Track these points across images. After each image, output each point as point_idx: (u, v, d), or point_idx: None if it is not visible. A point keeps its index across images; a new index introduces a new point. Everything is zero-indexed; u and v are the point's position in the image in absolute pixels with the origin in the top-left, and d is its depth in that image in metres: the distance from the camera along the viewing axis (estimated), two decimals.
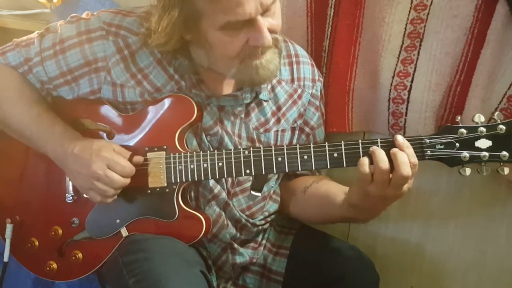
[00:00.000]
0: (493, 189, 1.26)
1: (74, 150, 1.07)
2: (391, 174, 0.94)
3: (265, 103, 1.19)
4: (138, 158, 1.10)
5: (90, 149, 1.06)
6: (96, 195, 1.07)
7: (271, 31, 0.99)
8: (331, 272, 1.16)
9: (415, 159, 0.95)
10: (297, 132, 1.25)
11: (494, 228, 1.29)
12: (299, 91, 1.23)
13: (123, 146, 1.12)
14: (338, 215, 1.12)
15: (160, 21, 0.97)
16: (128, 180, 1.07)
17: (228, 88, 1.16)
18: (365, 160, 0.95)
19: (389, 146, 0.96)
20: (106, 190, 1.05)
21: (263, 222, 1.24)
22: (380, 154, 0.94)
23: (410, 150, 0.95)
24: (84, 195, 1.15)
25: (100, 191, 1.06)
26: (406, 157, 0.93)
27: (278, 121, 1.21)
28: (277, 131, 1.21)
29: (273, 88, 1.20)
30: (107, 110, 1.16)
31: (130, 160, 1.08)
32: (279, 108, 1.21)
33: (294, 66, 1.24)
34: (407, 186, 0.96)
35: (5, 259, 1.21)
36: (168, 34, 0.99)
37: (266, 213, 1.25)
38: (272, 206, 1.26)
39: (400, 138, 0.95)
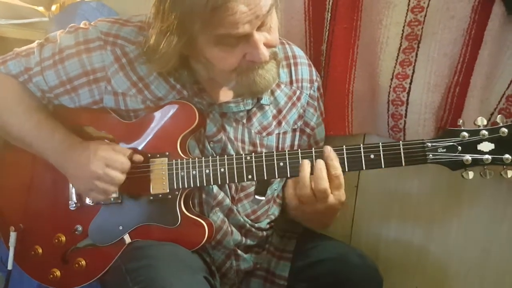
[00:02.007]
0: (495, 189, 1.27)
1: (74, 155, 1.08)
2: None
3: (266, 107, 1.19)
4: (138, 157, 1.11)
5: (88, 150, 1.07)
6: (98, 195, 1.09)
7: (268, 45, 1.00)
8: (335, 275, 1.16)
9: (336, 171, 0.98)
10: (298, 133, 1.25)
11: (497, 228, 1.29)
12: (298, 92, 1.24)
13: None
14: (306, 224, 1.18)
15: (159, 44, 0.98)
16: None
17: (229, 94, 1.16)
18: (290, 190, 1.01)
19: (392, 150, 0.97)
20: (108, 189, 1.07)
21: (268, 226, 1.25)
22: (303, 179, 0.99)
23: (333, 162, 0.98)
24: (87, 200, 1.16)
25: (101, 191, 1.07)
26: (322, 171, 0.98)
27: (279, 124, 1.21)
28: (278, 134, 1.21)
29: (272, 92, 1.20)
30: (110, 118, 1.16)
31: (130, 157, 1.09)
32: (279, 111, 1.21)
33: (292, 68, 1.24)
34: (334, 198, 1.00)
35: (9, 267, 1.21)
36: (167, 59, 1.01)
37: (272, 217, 1.25)
38: (277, 210, 1.27)
39: (326, 151, 1.00)
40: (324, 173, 0.98)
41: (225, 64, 1.01)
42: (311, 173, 1.00)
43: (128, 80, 1.13)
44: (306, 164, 1.00)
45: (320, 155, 1.01)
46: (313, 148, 1.02)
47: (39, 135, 1.12)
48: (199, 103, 1.13)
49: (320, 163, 0.99)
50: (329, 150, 0.99)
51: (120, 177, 1.07)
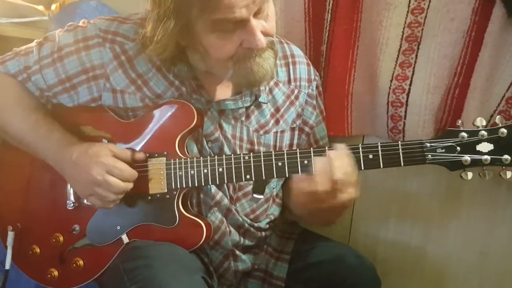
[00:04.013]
0: (493, 191, 1.26)
1: (72, 157, 1.07)
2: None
3: (264, 105, 1.19)
4: (140, 155, 1.10)
5: (88, 154, 1.06)
6: (97, 201, 1.07)
7: (265, 34, 1.00)
8: (332, 276, 1.16)
9: (349, 169, 0.96)
10: (297, 132, 1.25)
11: (495, 230, 1.29)
12: (296, 91, 1.24)
13: None
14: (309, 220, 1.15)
15: (156, 31, 0.98)
16: (129, 185, 1.07)
17: (227, 92, 1.16)
18: (299, 190, 0.98)
19: (390, 150, 0.97)
20: (107, 196, 1.05)
21: (267, 226, 1.24)
22: (320, 173, 0.96)
23: (343, 161, 0.96)
24: (85, 201, 1.15)
25: (100, 197, 1.06)
26: (336, 163, 0.95)
27: (277, 122, 1.21)
28: (276, 132, 1.21)
29: (270, 90, 1.20)
30: (108, 117, 1.16)
31: (132, 158, 1.09)
32: (277, 110, 1.21)
33: (291, 67, 1.24)
34: (348, 195, 0.97)
35: (7, 266, 1.20)
36: (164, 45, 1.00)
37: (272, 217, 1.25)
38: (276, 210, 1.26)
39: (340, 148, 0.98)
40: (339, 164, 0.95)
41: (222, 52, 1.01)
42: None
43: (127, 77, 1.13)
44: (318, 160, 0.97)
45: (319, 154, 1.01)
46: (311, 148, 1.02)
47: (37, 135, 1.12)
48: (198, 100, 1.13)
49: (332, 156, 0.96)
50: (343, 147, 0.98)
51: (122, 185, 1.05)
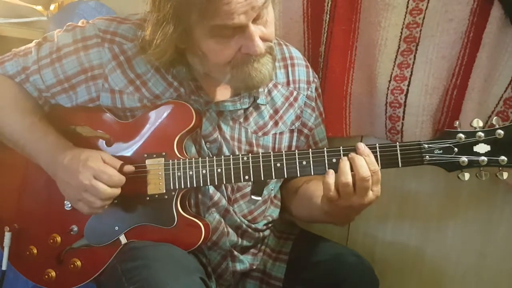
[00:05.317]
0: (491, 191, 1.26)
1: (64, 161, 1.06)
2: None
3: (262, 107, 1.19)
4: (129, 168, 1.09)
5: (78, 159, 1.05)
6: (84, 207, 1.06)
7: (264, 39, 1.00)
8: (331, 277, 1.16)
9: (374, 167, 0.96)
10: (295, 134, 1.25)
11: (493, 230, 1.29)
12: (295, 93, 1.24)
13: (121, 155, 1.12)
14: (319, 218, 1.13)
15: (155, 35, 0.98)
16: (117, 191, 1.05)
17: (226, 93, 1.16)
18: (330, 180, 0.97)
19: (388, 151, 0.98)
20: (94, 202, 1.04)
21: (265, 227, 1.24)
22: (344, 167, 0.96)
23: (369, 158, 0.97)
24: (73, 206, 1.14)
25: (87, 202, 1.04)
26: (363, 160, 0.96)
27: (276, 124, 1.21)
28: (275, 134, 1.21)
29: (269, 92, 1.20)
30: (106, 117, 1.16)
31: (120, 169, 1.07)
32: (276, 111, 1.21)
33: (289, 69, 1.24)
34: (373, 193, 0.97)
35: (3, 267, 1.20)
36: (163, 49, 1.00)
37: (270, 218, 1.25)
38: (274, 211, 1.26)
39: (361, 147, 0.98)
40: (363, 162, 0.95)
41: (220, 57, 1.01)
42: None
43: (125, 78, 1.12)
44: (344, 160, 0.97)
45: (318, 155, 1.01)
46: (310, 150, 1.02)
47: (32, 137, 1.11)
48: (196, 101, 1.13)
49: (354, 155, 0.97)
50: (363, 146, 0.98)
51: (108, 191, 1.03)
